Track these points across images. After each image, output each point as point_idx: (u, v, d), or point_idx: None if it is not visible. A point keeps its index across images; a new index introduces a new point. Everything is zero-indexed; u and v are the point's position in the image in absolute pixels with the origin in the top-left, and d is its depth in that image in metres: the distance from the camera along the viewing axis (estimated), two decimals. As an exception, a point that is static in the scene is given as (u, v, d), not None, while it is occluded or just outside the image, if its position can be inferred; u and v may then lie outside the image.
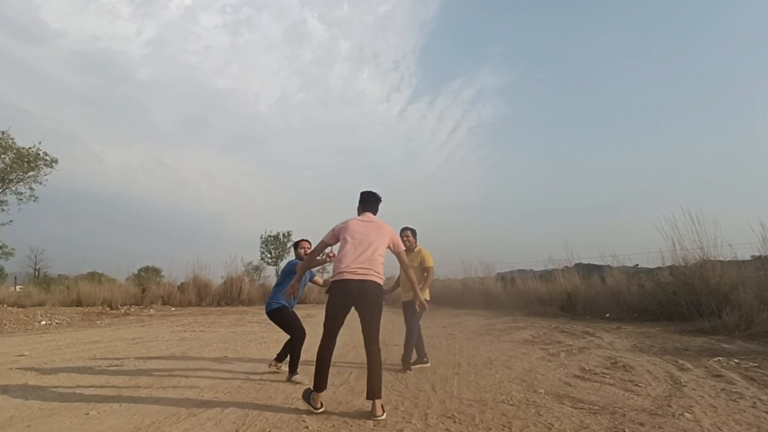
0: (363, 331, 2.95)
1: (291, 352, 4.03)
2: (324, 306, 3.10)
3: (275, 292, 4.14)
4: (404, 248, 3.54)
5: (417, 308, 3.82)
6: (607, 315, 9.48)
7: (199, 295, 16.10)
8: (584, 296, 10.62)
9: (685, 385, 3.54)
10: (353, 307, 2.96)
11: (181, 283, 16.60)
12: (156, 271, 20.99)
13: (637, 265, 12.84)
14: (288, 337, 4.19)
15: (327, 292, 3.05)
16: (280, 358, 4.31)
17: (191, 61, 56.38)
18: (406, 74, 63.99)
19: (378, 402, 2.84)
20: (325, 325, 2.97)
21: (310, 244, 4.30)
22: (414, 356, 4.58)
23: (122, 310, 13.15)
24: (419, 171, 63.19)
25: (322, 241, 3.21)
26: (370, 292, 2.93)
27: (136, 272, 20.25)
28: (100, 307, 13.43)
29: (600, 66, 53.45)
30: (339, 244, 3.12)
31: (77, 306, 13.39)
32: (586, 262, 13.07)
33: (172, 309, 14.43)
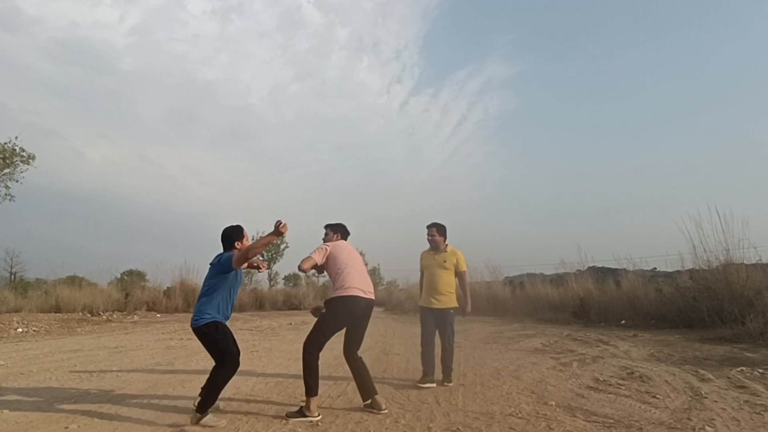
0: (351, 343, 3.32)
1: (210, 383, 3.06)
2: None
3: (204, 302, 3.17)
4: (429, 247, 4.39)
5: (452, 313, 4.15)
6: (623, 322, 9.49)
7: (186, 301, 16.09)
8: (598, 302, 10.62)
9: (705, 397, 3.54)
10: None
11: (167, 287, 16.59)
12: (140, 275, 20.97)
13: (655, 268, 12.85)
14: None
15: (326, 304, 3.32)
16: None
17: (178, 50, 56.12)
18: (408, 64, 63.69)
19: (378, 397, 3.21)
20: (318, 337, 3.19)
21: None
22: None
23: (104, 317, 13.15)
24: (422, 168, 63.03)
25: (311, 257, 3.34)
26: (371, 310, 3.41)
27: (118, 276, 20.24)
28: (80, 313, 13.43)
29: (616, 57, 53.38)
30: (331, 263, 3.39)
31: (56, 312, 13.39)
32: (600, 266, 13.10)
33: (158, 315, 14.43)
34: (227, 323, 3.28)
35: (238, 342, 3.36)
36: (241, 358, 3.30)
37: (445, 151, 63.03)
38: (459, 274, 4.36)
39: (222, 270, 3.14)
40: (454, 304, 4.31)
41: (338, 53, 62.20)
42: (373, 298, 3.36)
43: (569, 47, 55.34)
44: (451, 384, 4.13)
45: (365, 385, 3.25)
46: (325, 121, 62.19)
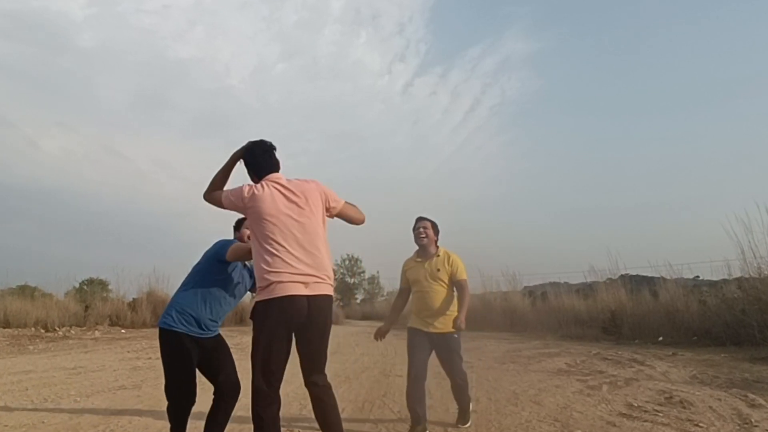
0: (303, 360, 2.43)
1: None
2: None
3: (180, 297, 2.85)
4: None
5: (456, 335, 3.58)
6: (660, 338, 9.51)
7: (155, 314, 16.08)
8: (632, 315, 10.65)
9: (756, 425, 3.54)
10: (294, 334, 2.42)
11: (133, 299, 16.62)
12: (102, 285, 21.02)
13: (698, 276, 12.85)
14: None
15: (252, 317, 2.37)
16: None
17: (146, 23, 55.97)
18: (413, 40, 63.64)
19: None
20: (261, 368, 2.30)
21: None
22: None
23: (60, 333, 13.18)
24: (428, 160, 63.12)
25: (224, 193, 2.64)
26: (324, 312, 2.41)
27: (77, 286, 20.25)
28: (32, 328, 13.45)
29: (654, 30, 53.44)
30: (251, 228, 2.48)
31: (4, 327, 13.41)
32: (634, 273, 13.11)
33: (122, 331, 14.46)
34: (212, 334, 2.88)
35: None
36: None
37: (455, 140, 63.05)
38: (458, 285, 3.66)
39: (214, 258, 2.84)
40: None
41: (332, 27, 62.19)
42: (323, 293, 2.40)
43: (599, 20, 55.35)
44: (467, 425, 3.75)
45: (326, 425, 2.38)
46: (317, 106, 62.33)
